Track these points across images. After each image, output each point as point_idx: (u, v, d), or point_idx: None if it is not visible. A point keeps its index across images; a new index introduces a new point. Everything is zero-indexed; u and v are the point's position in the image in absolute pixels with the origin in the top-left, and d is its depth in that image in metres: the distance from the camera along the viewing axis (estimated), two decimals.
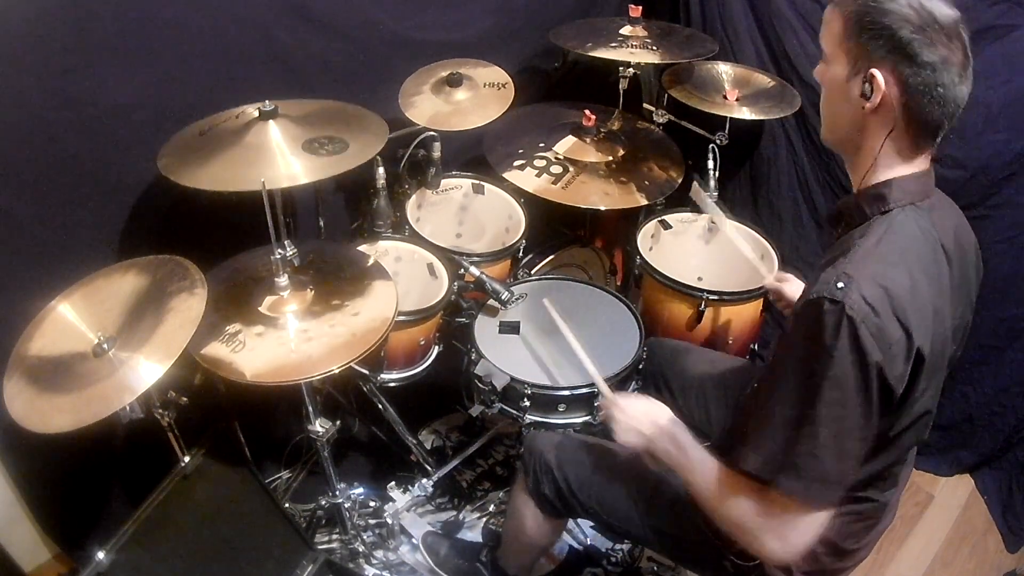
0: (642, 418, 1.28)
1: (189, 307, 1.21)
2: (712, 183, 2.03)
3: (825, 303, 0.97)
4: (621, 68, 2.13)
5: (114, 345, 1.18)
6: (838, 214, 1.18)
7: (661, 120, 2.23)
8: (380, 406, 1.93)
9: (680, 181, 2.05)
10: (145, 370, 1.14)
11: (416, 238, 1.89)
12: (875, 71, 1.02)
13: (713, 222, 2.05)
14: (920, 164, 1.09)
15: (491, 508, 2.08)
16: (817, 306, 0.98)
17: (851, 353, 0.95)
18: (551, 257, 2.28)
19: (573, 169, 2.01)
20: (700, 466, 1.17)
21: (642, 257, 1.93)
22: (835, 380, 0.97)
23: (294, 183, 1.29)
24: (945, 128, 1.05)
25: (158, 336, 1.18)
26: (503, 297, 1.76)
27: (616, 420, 1.31)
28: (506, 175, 1.97)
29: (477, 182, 2.11)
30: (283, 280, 1.43)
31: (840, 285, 0.97)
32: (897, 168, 1.07)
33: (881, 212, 1.08)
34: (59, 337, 1.24)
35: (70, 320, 1.26)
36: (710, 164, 2.03)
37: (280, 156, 1.33)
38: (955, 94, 1.01)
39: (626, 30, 2.11)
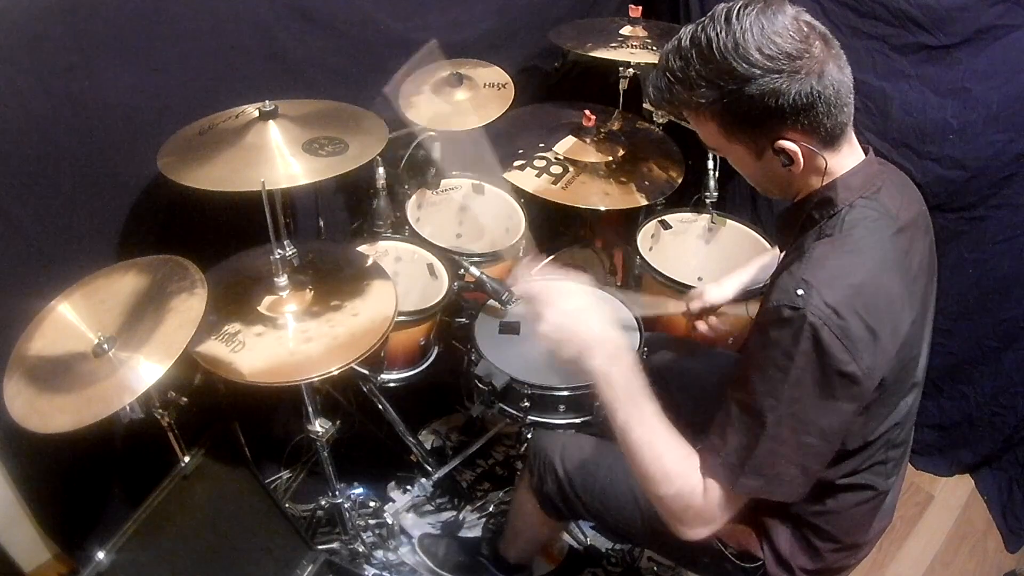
0: (585, 329, 1.12)
1: (189, 307, 1.21)
2: (712, 183, 2.03)
3: (785, 310, 0.96)
4: (621, 68, 2.12)
5: (114, 345, 1.18)
6: (785, 222, 1.16)
7: (661, 120, 2.22)
8: (380, 406, 1.93)
9: (680, 181, 2.05)
10: (145, 370, 1.14)
11: (416, 238, 1.89)
12: (781, 143, 1.00)
13: None
14: (854, 156, 1.08)
15: (491, 508, 2.07)
16: (777, 313, 0.97)
17: (814, 358, 0.95)
18: (551, 257, 2.28)
19: (573, 169, 2.00)
20: (649, 425, 1.07)
21: (642, 257, 1.93)
22: (797, 383, 0.96)
23: (294, 183, 1.28)
24: (852, 113, 1.03)
25: (158, 336, 1.18)
26: (503, 297, 1.75)
27: (544, 311, 1.13)
28: (506, 175, 1.97)
29: (477, 182, 2.11)
30: (282, 280, 1.43)
31: (800, 292, 0.96)
32: (834, 170, 1.06)
33: (830, 216, 1.06)
34: (59, 337, 1.24)
35: (70, 320, 1.26)
36: (710, 164, 2.03)
37: (280, 156, 1.33)
38: (845, 87, 0.99)
39: (626, 30, 2.11)
